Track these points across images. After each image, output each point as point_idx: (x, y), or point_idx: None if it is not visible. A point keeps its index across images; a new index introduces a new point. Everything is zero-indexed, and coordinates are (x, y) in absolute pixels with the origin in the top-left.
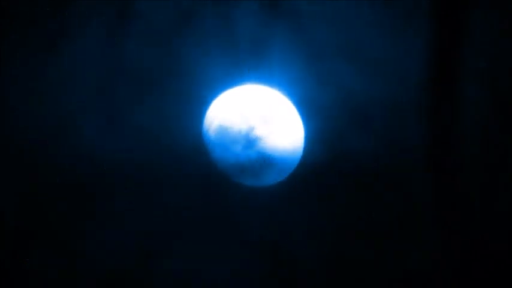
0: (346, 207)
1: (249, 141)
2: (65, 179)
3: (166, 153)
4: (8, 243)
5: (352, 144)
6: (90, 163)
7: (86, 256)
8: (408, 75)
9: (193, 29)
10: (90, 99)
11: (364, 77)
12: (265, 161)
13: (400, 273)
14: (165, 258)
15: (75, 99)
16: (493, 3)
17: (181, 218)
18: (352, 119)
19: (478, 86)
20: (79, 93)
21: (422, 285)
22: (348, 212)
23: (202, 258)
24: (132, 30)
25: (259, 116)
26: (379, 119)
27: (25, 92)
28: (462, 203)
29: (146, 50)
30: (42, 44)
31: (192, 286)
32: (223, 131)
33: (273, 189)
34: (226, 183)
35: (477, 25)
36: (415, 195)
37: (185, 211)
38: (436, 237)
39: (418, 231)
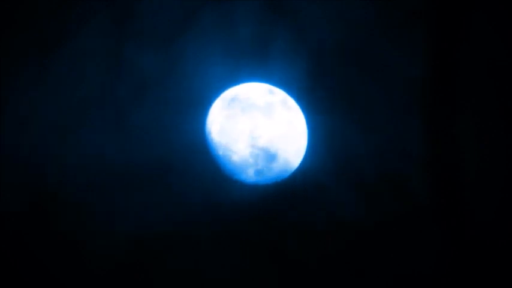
0: (347, 207)
1: (251, 140)
2: (66, 180)
3: (168, 152)
4: (10, 244)
5: (353, 143)
6: (91, 164)
7: (87, 256)
8: (408, 76)
9: (194, 29)
10: (91, 100)
11: (364, 76)
12: (268, 160)
13: (400, 273)
14: (165, 257)
15: (75, 100)
16: (493, 4)
17: (183, 217)
18: (353, 118)
19: (478, 86)
20: (79, 94)
21: (422, 285)
22: (348, 211)
23: (203, 258)
24: (132, 30)
25: (261, 115)
26: (380, 118)
27: (25, 93)
28: (462, 203)
29: (147, 50)
30: (42, 44)
31: (192, 286)
32: (225, 130)
33: (275, 188)
34: (228, 182)
35: (477, 26)
36: (415, 195)
37: (187, 210)
38: (436, 237)
39: (418, 231)
